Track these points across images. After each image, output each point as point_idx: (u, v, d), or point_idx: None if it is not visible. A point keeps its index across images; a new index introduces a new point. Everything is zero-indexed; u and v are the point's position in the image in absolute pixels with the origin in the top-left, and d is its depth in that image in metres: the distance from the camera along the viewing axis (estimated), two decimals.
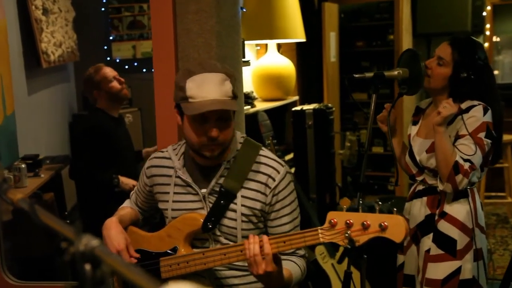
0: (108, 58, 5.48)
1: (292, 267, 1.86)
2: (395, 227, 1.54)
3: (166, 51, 2.49)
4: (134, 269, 0.70)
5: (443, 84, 2.36)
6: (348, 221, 1.59)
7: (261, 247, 1.68)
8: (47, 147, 4.55)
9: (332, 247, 3.27)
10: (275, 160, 1.91)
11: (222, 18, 2.44)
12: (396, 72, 2.36)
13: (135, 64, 5.47)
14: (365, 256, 1.95)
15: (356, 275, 2.10)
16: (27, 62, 4.24)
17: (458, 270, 2.30)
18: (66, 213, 3.98)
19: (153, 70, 2.57)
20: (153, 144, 3.15)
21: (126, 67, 5.25)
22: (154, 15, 2.52)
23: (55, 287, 2.87)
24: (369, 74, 2.36)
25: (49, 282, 3.06)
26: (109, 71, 3.43)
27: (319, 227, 1.65)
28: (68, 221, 3.90)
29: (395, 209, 1.63)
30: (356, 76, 2.34)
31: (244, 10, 3.95)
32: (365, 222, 1.57)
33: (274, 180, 1.86)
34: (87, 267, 0.75)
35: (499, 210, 5.56)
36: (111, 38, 5.52)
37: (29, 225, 3.17)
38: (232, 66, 2.52)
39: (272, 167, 1.88)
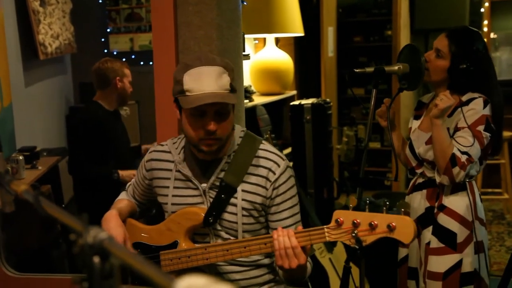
0: (106, 51, 5.45)
1: None
2: (404, 228, 1.53)
3: (166, 44, 2.47)
4: (144, 262, 0.70)
5: (442, 77, 2.35)
6: (355, 221, 1.58)
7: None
8: (44, 139, 4.53)
9: (330, 242, 3.26)
10: (275, 153, 1.89)
11: (223, 10, 2.43)
12: (396, 67, 2.36)
13: (133, 56, 5.44)
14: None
15: (354, 270, 2.09)
16: (24, 53, 4.21)
17: (459, 263, 2.30)
18: (63, 205, 3.97)
19: (151, 63, 2.56)
20: (150, 137, 3.15)
21: (124, 59, 5.22)
22: (154, 7, 2.50)
23: (62, 280, 2.82)
24: (370, 69, 2.35)
25: (55, 274, 3.02)
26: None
27: (325, 226, 1.64)
28: None
29: (402, 209, 1.60)
30: (357, 70, 2.33)
31: (245, 3, 3.92)
32: (372, 223, 1.56)
33: (274, 173, 1.85)
34: (96, 259, 0.74)
35: (496, 206, 5.57)
36: (108, 30, 5.49)
37: (24, 217, 3.16)
38: (233, 60, 2.50)
39: (272, 161, 1.86)
